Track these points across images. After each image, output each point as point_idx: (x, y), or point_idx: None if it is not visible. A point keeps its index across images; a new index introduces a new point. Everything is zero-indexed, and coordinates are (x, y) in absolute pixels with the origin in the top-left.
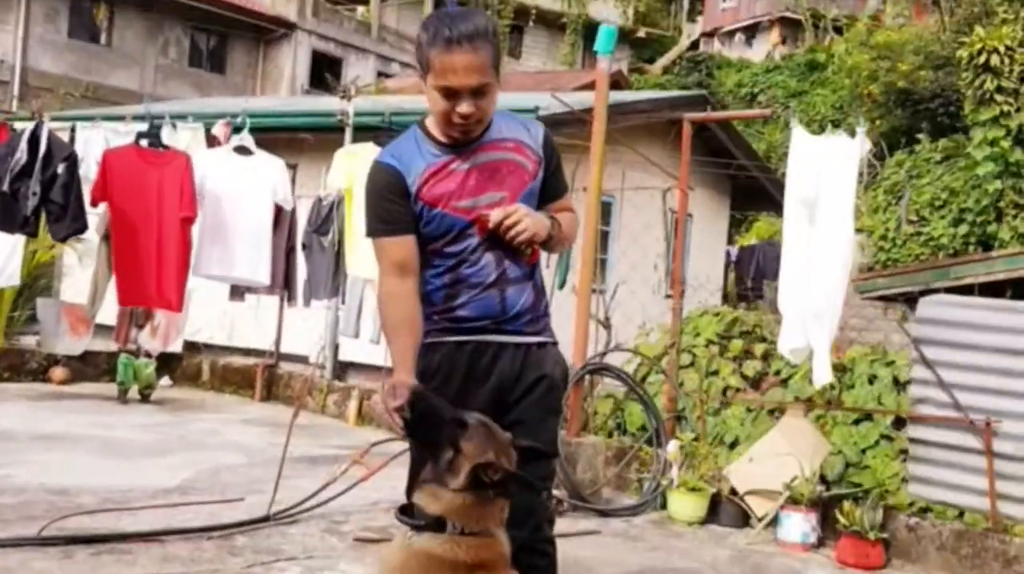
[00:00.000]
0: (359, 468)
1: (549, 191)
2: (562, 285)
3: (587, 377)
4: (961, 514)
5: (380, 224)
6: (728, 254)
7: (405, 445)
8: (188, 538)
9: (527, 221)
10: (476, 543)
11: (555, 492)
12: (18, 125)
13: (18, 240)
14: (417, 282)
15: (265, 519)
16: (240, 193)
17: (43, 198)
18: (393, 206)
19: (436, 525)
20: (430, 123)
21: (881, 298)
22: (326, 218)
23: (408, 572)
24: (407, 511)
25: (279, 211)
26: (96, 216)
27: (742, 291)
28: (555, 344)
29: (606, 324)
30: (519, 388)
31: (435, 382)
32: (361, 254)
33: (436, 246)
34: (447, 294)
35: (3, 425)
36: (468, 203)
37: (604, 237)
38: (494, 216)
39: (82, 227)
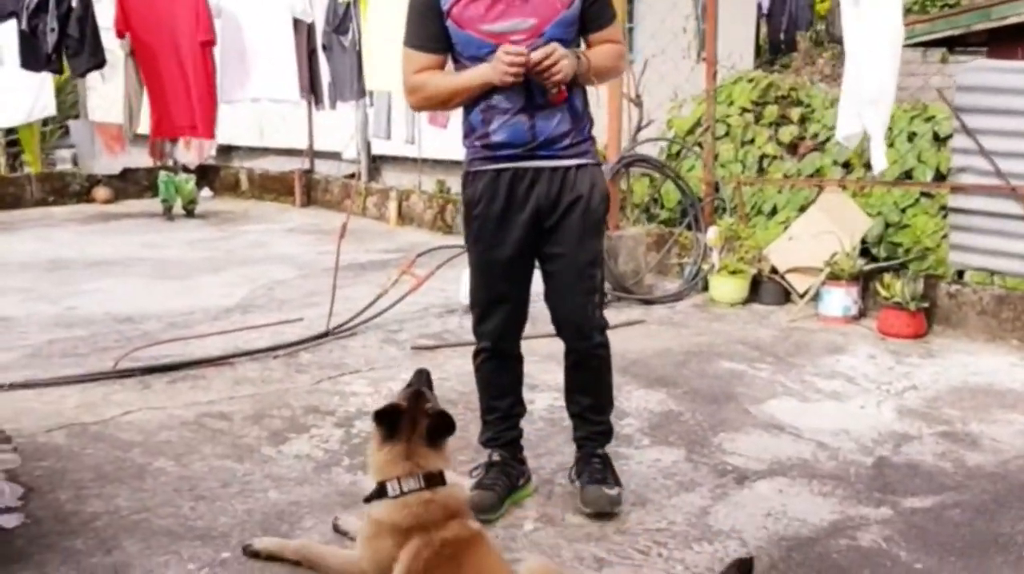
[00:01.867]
0: (408, 278)
1: (591, 20)
2: None
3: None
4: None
5: (414, 38)
6: (759, 7)
7: (450, 252)
8: (256, 359)
9: (564, 63)
10: (415, 502)
11: None
12: None
13: (45, 74)
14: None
15: (325, 335)
16: (257, 11)
17: (61, 33)
18: (427, 23)
19: (378, 491)
20: None
21: (920, 44)
22: (344, 16)
23: (367, 543)
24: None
25: (297, 24)
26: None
27: (775, 44)
28: (597, 165)
29: (637, 101)
30: (556, 213)
31: (479, 208)
32: (378, 63)
33: (468, 66)
34: (483, 119)
35: (57, 253)
36: (495, 27)
37: (629, 2)
38: (535, 56)
39: (101, 61)
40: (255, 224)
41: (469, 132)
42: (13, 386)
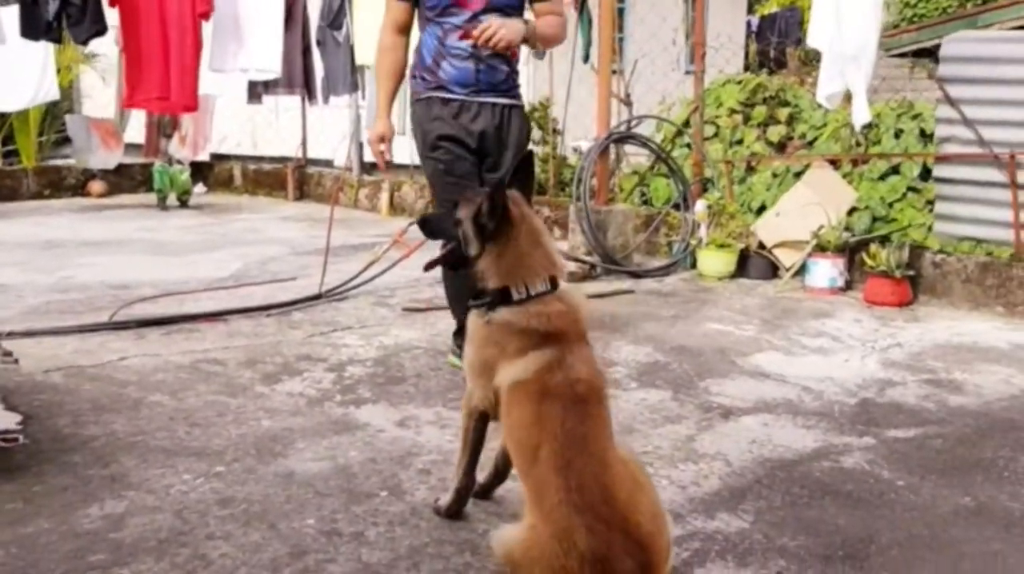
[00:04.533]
0: (399, 249)
1: None
2: (586, 59)
3: (612, 148)
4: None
5: None
6: (749, 24)
7: None
8: (249, 316)
9: (501, 32)
10: (546, 311)
11: (588, 258)
12: None
13: (47, 53)
14: (407, 40)
15: (318, 297)
16: None
17: (63, 2)
18: None
19: (501, 296)
20: None
21: (907, 54)
22: (338, 11)
23: (483, 349)
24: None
25: (291, 2)
26: (115, 29)
27: (764, 61)
28: (521, 107)
29: (627, 101)
30: (494, 151)
31: (432, 131)
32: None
33: (430, 15)
34: (434, 59)
35: (52, 235)
36: None
37: (620, 14)
38: (474, 34)
39: (102, 28)
40: (249, 214)
41: (420, 67)
42: (12, 334)
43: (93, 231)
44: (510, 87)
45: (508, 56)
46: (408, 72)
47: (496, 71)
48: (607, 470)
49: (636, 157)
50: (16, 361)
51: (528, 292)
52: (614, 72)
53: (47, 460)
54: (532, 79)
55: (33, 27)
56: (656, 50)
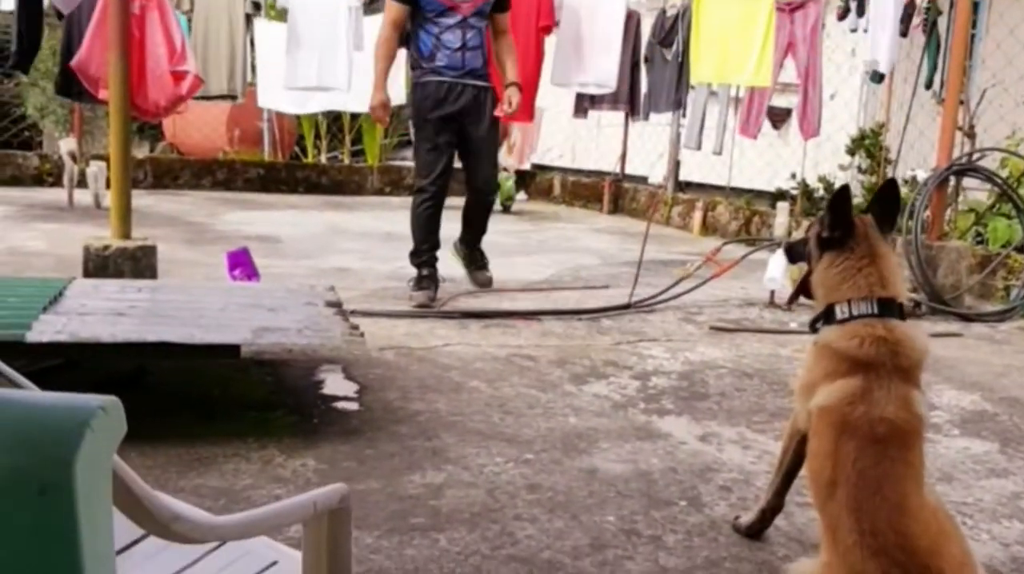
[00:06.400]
0: (710, 267)
1: (502, 4)
2: (929, 84)
3: (950, 181)
4: None
5: None
6: None
7: (751, 248)
8: (562, 318)
9: (515, 101)
10: (871, 335)
11: (914, 294)
12: None
13: (400, 61)
14: (399, 34)
15: (627, 307)
16: (595, 1)
17: None
18: None
19: (826, 314)
20: None
21: None
22: (670, 29)
23: (810, 369)
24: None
25: (628, 17)
26: None
27: None
28: (492, 89)
29: (970, 133)
30: (475, 121)
31: (427, 104)
32: (705, 60)
33: (430, 17)
34: (431, 51)
35: (391, 228)
36: None
37: (972, 40)
38: (505, 109)
39: None
40: (565, 223)
41: (419, 58)
42: (355, 312)
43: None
44: (484, 74)
45: (486, 49)
46: (407, 62)
47: (476, 60)
48: (904, 515)
49: (974, 193)
50: (362, 334)
51: (851, 311)
52: (960, 102)
53: (378, 428)
54: (866, 104)
55: None
56: (1011, 79)
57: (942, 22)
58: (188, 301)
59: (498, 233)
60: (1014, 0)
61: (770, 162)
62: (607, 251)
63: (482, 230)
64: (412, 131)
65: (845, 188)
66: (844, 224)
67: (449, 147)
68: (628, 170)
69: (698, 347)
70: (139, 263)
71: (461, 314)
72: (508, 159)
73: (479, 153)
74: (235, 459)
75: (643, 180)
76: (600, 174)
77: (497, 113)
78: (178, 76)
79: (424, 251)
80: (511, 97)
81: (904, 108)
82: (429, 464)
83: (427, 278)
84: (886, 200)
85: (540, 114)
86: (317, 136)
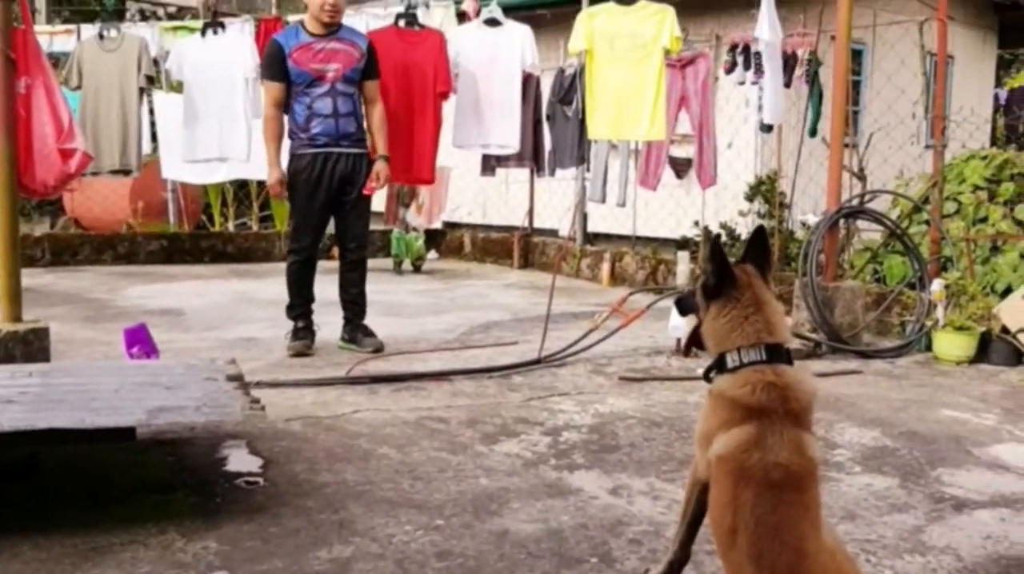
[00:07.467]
0: (617, 317)
1: (367, 71)
2: (812, 132)
3: (842, 223)
4: None
5: (268, 74)
6: (996, 98)
7: (656, 297)
8: (472, 377)
9: (383, 176)
10: (761, 381)
11: (813, 335)
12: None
13: None
14: (283, 112)
15: (537, 362)
16: (491, 65)
17: None
18: (276, 65)
19: (718, 363)
20: (307, 20)
21: None
22: (569, 88)
23: (707, 418)
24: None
25: (527, 79)
26: None
27: (1013, 137)
28: (367, 154)
29: (860, 175)
30: (349, 187)
31: (303, 177)
32: (600, 117)
33: (299, 89)
34: (306, 119)
35: None
36: (318, 68)
37: (856, 87)
38: (372, 186)
39: None
40: (476, 279)
41: (295, 128)
42: (260, 384)
43: (334, 293)
44: (359, 139)
45: (359, 115)
46: (286, 135)
47: (349, 125)
48: (804, 560)
49: (869, 233)
50: (263, 408)
51: (741, 359)
52: (847, 145)
53: (283, 503)
54: (760, 152)
55: None
56: (893, 123)
57: (824, 72)
58: (81, 384)
59: (409, 293)
60: (890, 48)
61: (672, 212)
62: (518, 306)
63: (360, 300)
64: (287, 195)
65: (716, 238)
66: (723, 274)
67: (323, 211)
68: (537, 224)
69: (608, 398)
70: (31, 346)
71: (370, 379)
72: (417, 219)
73: (350, 216)
74: (132, 546)
75: (554, 233)
76: (510, 229)
77: (366, 191)
78: (66, 154)
79: (297, 305)
80: (379, 172)
81: (795, 156)
82: (336, 538)
83: (303, 329)
84: (757, 247)
85: (448, 173)
86: (224, 204)
